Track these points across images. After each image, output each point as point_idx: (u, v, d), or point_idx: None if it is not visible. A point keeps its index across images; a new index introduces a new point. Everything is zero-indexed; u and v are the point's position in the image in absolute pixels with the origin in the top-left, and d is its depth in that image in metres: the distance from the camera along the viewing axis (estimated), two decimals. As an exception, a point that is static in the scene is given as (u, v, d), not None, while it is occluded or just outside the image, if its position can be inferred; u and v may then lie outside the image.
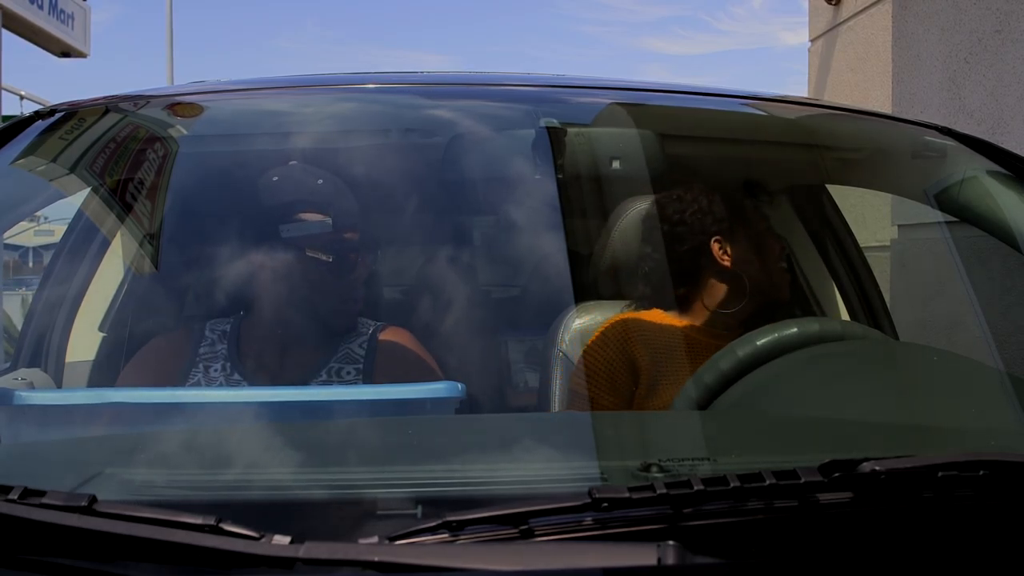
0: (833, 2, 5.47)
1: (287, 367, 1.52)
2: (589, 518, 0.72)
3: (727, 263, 1.57)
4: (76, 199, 1.81)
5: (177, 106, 1.61)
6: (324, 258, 1.47)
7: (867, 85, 5.07)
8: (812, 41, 5.81)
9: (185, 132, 1.63)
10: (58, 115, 1.49)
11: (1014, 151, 1.57)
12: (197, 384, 1.49)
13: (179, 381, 1.49)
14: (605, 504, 0.71)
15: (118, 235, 1.95)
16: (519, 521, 0.71)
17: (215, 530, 0.68)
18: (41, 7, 8.34)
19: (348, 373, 1.51)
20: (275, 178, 1.54)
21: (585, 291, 1.67)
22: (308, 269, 1.48)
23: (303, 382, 1.49)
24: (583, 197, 1.80)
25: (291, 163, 1.58)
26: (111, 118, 1.55)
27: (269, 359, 1.53)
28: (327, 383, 1.48)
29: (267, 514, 0.82)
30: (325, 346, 1.54)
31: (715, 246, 1.58)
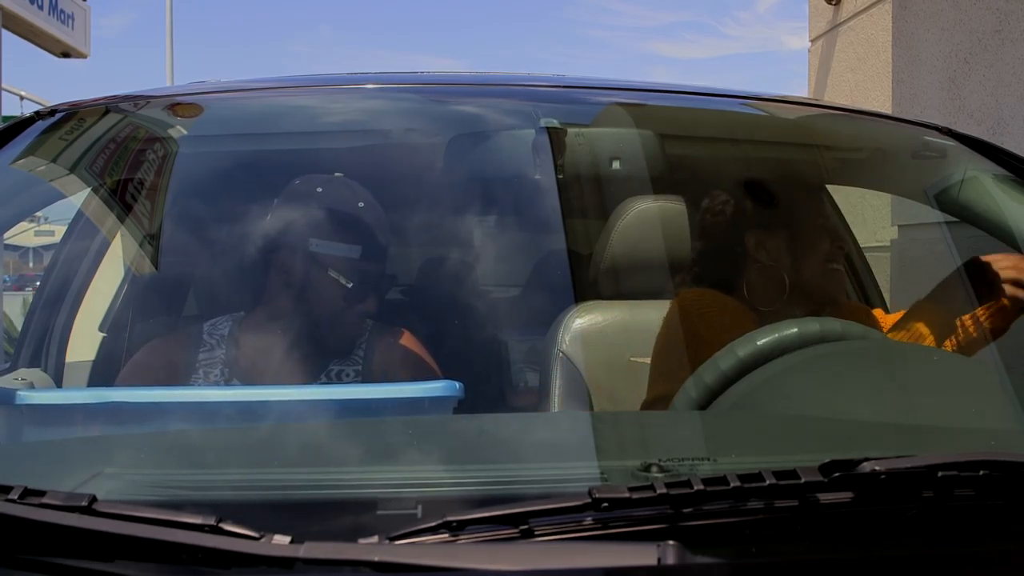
0: (833, 2, 5.47)
1: (286, 372, 1.52)
2: (589, 518, 0.72)
3: (764, 259, 1.52)
4: (76, 199, 1.81)
5: (177, 106, 1.61)
6: (344, 283, 1.46)
7: (867, 85, 5.08)
8: (812, 41, 5.81)
9: (185, 132, 1.63)
10: (58, 115, 1.49)
11: (1014, 151, 1.57)
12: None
13: (179, 384, 1.49)
14: (605, 504, 0.71)
15: (118, 235, 1.95)
16: (519, 521, 0.71)
17: (215, 530, 0.68)
18: (41, 7, 8.33)
19: (348, 375, 1.51)
20: (319, 188, 1.52)
21: (585, 291, 1.67)
22: (323, 288, 1.47)
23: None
24: (583, 197, 1.80)
25: (336, 175, 1.56)
26: (111, 118, 1.55)
27: (268, 364, 1.52)
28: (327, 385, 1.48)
29: (267, 514, 0.82)
30: (322, 360, 1.54)
31: (750, 241, 1.53)
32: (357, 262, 1.47)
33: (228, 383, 1.49)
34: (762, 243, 1.53)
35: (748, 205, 1.57)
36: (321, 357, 1.52)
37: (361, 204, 1.51)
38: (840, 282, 1.58)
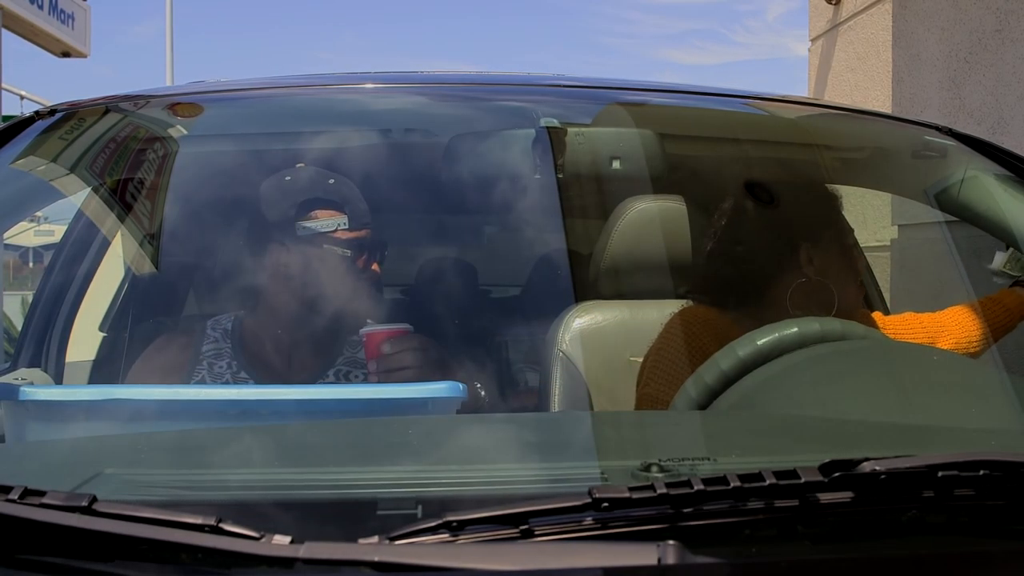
0: (833, 2, 5.47)
1: (294, 368, 1.53)
2: (589, 518, 0.72)
3: (811, 274, 1.49)
4: (76, 199, 1.81)
5: (177, 106, 1.61)
6: (342, 252, 1.48)
7: (867, 85, 5.07)
8: (812, 41, 5.81)
9: (185, 132, 1.63)
10: (58, 115, 1.49)
11: (1014, 151, 1.57)
12: (201, 381, 1.50)
13: (184, 380, 1.49)
14: (605, 504, 0.71)
15: (118, 235, 1.95)
16: (519, 521, 0.71)
17: (215, 530, 0.68)
18: (41, 7, 8.32)
19: (356, 377, 1.52)
20: (287, 177, 1.55)
21: (585, 291, 1.67)
22: (325, 264, 1.49)
23: (310, 383, 1.50)
24: (583, 197, 1.80)
25: (299, 165, 1.59)
26: (111, 118, 1.55)
27: (276, 360, 1.54)
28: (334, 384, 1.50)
29: (267, 514, 0.81)
30: (332, 347, 1.55)
31: (802, 253, 1.50)
32: (347, 231, 1.50)
33: (236, 376, 1.50)
34: (811, 257, 1.50)
35: (793, 215, 1.55)
36: (332, 339, 1.54)
37: (331, 180, 1.54)
38: (861, 293, 1.56)
